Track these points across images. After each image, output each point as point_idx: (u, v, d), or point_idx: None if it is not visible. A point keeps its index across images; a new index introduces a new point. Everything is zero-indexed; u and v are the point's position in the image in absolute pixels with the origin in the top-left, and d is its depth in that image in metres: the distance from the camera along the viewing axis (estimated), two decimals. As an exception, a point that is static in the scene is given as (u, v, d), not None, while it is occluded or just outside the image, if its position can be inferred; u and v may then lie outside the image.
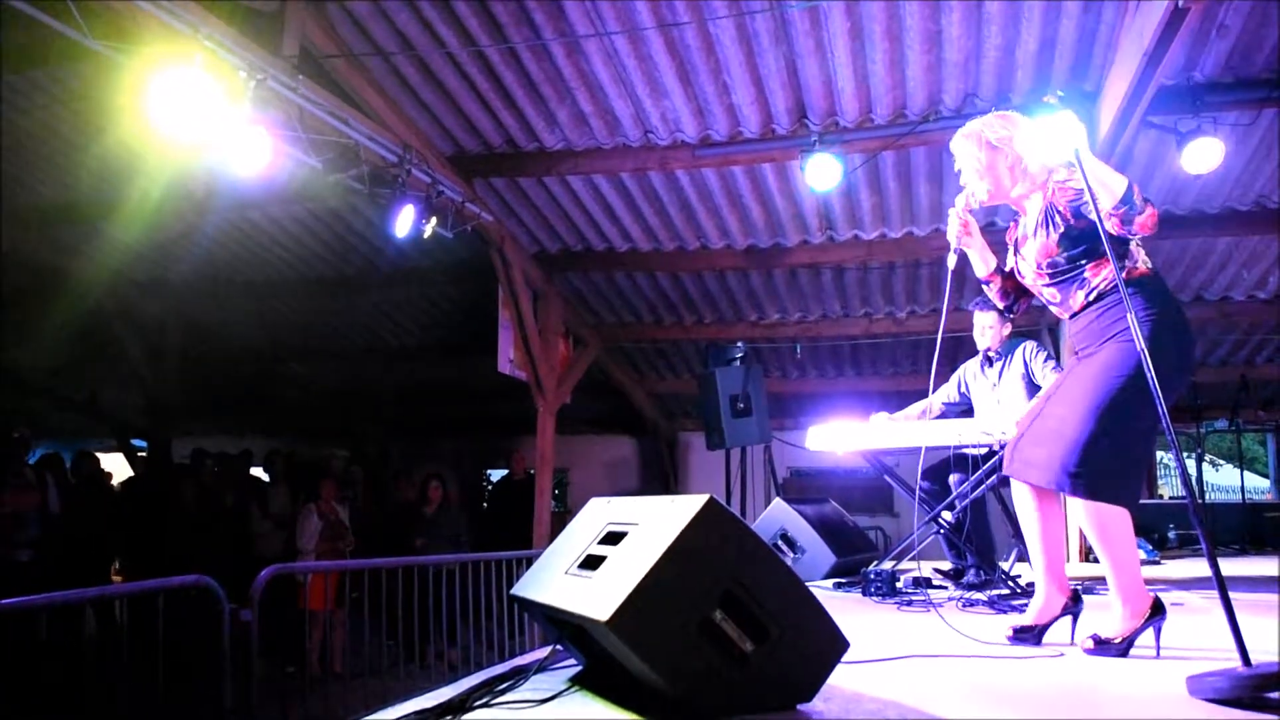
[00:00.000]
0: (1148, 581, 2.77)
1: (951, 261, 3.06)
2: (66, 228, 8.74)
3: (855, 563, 5.23)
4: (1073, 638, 2.90)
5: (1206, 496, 9.74)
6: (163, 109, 4.51)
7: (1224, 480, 14.74)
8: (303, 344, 11.94)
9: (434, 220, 6.57)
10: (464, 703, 2.20)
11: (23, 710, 4.67)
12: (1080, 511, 2.66)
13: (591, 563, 2.28)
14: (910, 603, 4.11)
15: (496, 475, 13.16)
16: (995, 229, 6.52)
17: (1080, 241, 2.73)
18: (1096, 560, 2.80)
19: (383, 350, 11.87)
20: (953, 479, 4.74)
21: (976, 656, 2.76)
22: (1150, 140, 6.62)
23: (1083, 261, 2.76)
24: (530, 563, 3.92)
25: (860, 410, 4.96)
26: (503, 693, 2.29)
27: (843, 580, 4.94)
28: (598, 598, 2.04)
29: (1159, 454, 11.20)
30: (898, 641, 3.02)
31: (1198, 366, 9.44)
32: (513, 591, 2.70)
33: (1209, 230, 7.77)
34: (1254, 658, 2.06)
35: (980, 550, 4.75)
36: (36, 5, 4.18)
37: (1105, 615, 2.75)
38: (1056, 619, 2.93)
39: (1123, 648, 2.66)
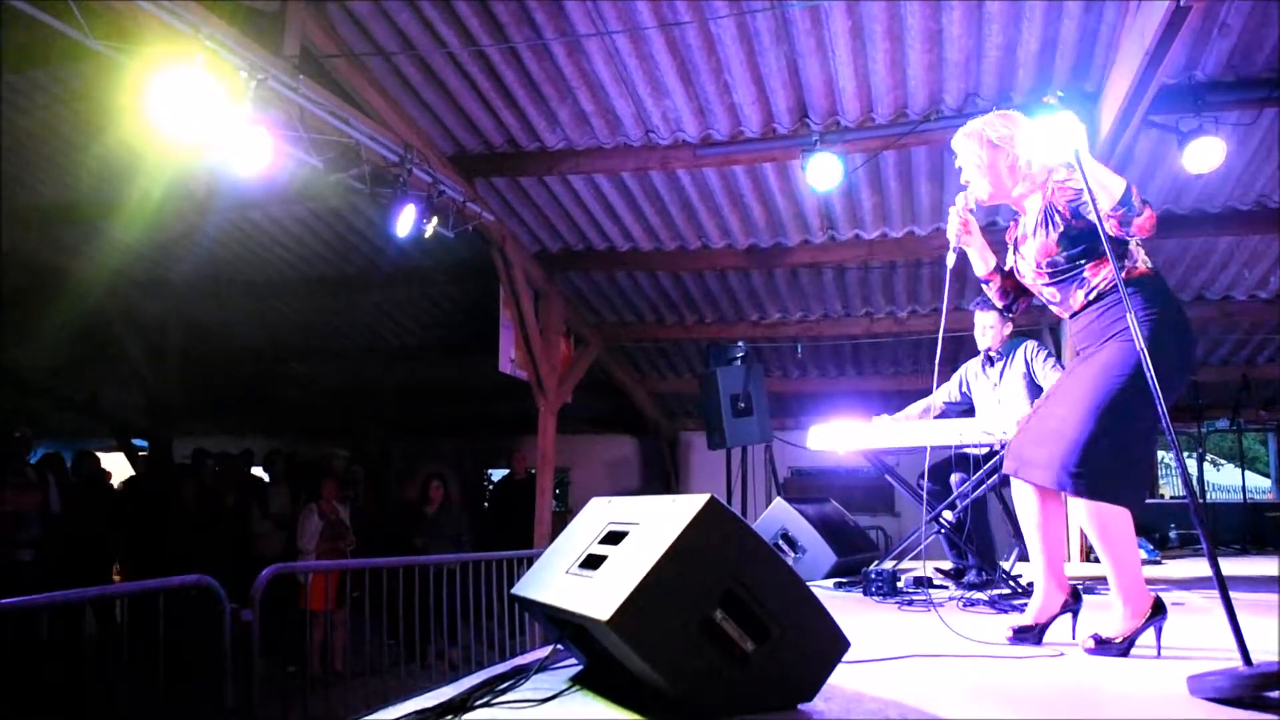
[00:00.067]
0: (1149, 581, 2.77)
1: (950, 260, 3.07)
2: (67, 227, 8.74)
3: (856, 562, 5.23)
4: (1073, 635, 2.90)
5: (1208, 496, 9.74)
6: (163, 109, 4.51)
7: (1225, 480, 14.74)
8: (304, 344, 11.95)
9: (435, 220, 6.58)
10: (465, 702, 2.20)
11: (23, 710, 4.67)
12: (1081, 511, 2.66)
13: (592, 562, 2.28)
14: (911, 602, 4.11)
15: (498, 475, 13.16)
16: (996, 229, 6.52)
17: (1079, 241, 2.73)
18: (1097, 560, 2.80)
19: (384, 350, 11.88)
20: (954, 478, 4.74)
21: (977, 656, 2.76)
22: (1151, 139, 6.62)
23: (1082, 261, 2.76)
24: (531, 562, 3.92)
25: (861, 410, 4.96)
26: (503, 692, 2.29)
27: (843, 580, 4.94)
28: (598, 597, 2.04)
29: (1160, 453, 11.18)
30: (898, 641, 3.02)
31: (1199, 366, 9.44)
32: (513, 591, 2.70)
33: (1210, 230, 7.77)
34: (1255, 657, 2.06)
35: (981, 550, 4.75)
36: (37, 5, 4.18)
37: (1106, 615, 2.75)
38: (1056, 617, 2.93)
39: (1124, 647, 2.66)
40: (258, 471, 10.02)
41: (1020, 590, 4.21)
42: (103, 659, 6.02)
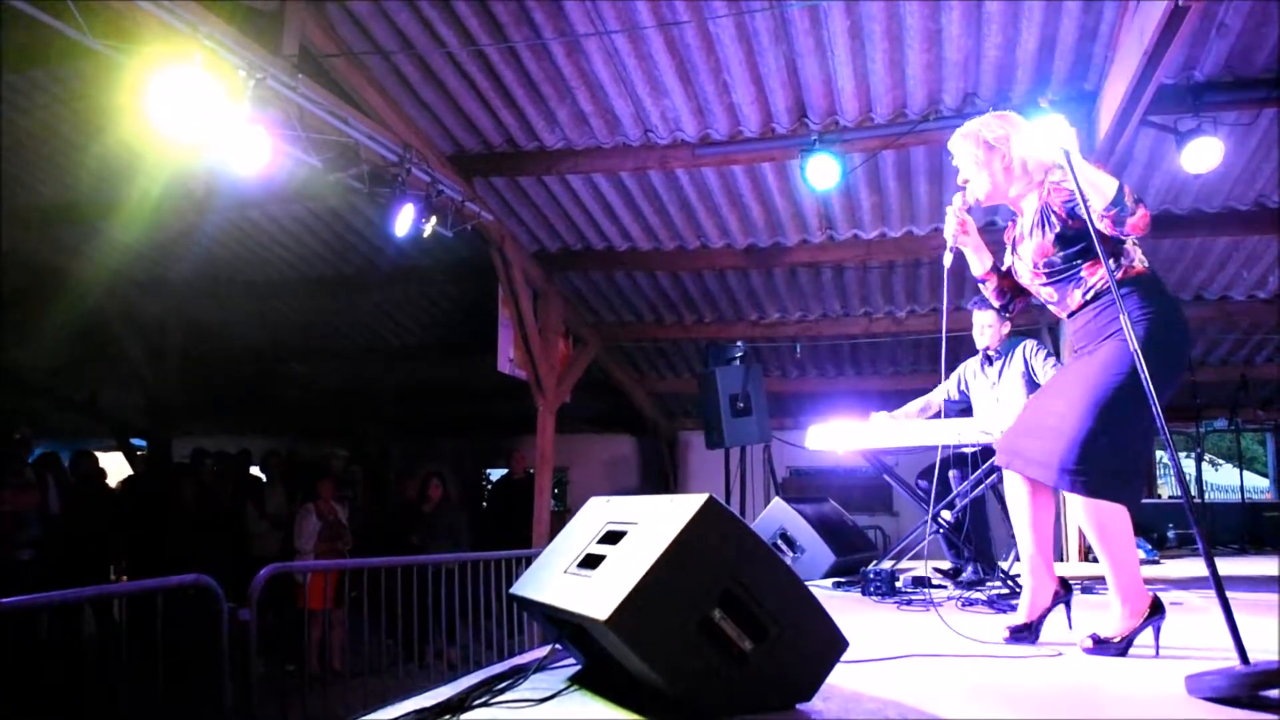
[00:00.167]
0: (1147, 581, 2.77)
1: (947, 260, 3.08)
2: (67, 227, 8.74)
3: (854, 562, 5.24)
4: (1069, 625, 2.90)
5: (1206, 496, 9.74)
6: (162, 108, 4.51)
7: (1223, 480, 14.74)
8: (303, 343, 11.94)
9: (434, 219, 6.58)
10: (463, 702, 2.20)
11: (23, 709, 4.67)
12: (1079, 510, 2.66)
13: (591, 562, 2.28)
14: (909, 602, 4.11)
15: (496, 474, 13.16)
16: (994, 229, 6.52)
17: (1075, 241, 2.73)
18: (1096, 560, 2.80)
19: (383, 349, 11.88)
20: (951, 474, 4.74)
21: (976, 656, 2.76)
22: (1150, 139, 6.63)
23: (1079, 261, 2.76)
24: (530, 562, 3.92)
25: (860, 409, 4.95)
26: (502, 692, 2.29)
27: (842, 579, 4.94)
28: (597, 597, 2.04)
29: (1158, 453, 11.20)
30: (897, 641, 3.02)
31: (1197, 366, 9.45)
32: (512, 590, 2.70)
33: (1208, 230, 7.78)
34: (1252, 656, 2.07)
35: (979, 549, 4.75)
36: (37, 5, 4.18)
37: (1104, 614, 2.75)
38: (1049, 610, 2.94)
39: (1122, 647, 2.66)
40: (255, 471, 10.01)
41: (1018, 589, 4.21)
42: (101, 658, 6.01)
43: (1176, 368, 2.73)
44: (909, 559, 5.22)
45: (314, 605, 6.76)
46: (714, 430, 8.31)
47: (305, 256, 9.54)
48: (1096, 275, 2.73)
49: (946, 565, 5.08)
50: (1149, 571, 4.98)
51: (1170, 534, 7.98)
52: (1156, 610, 2.67)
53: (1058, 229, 2.75)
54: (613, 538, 2.29)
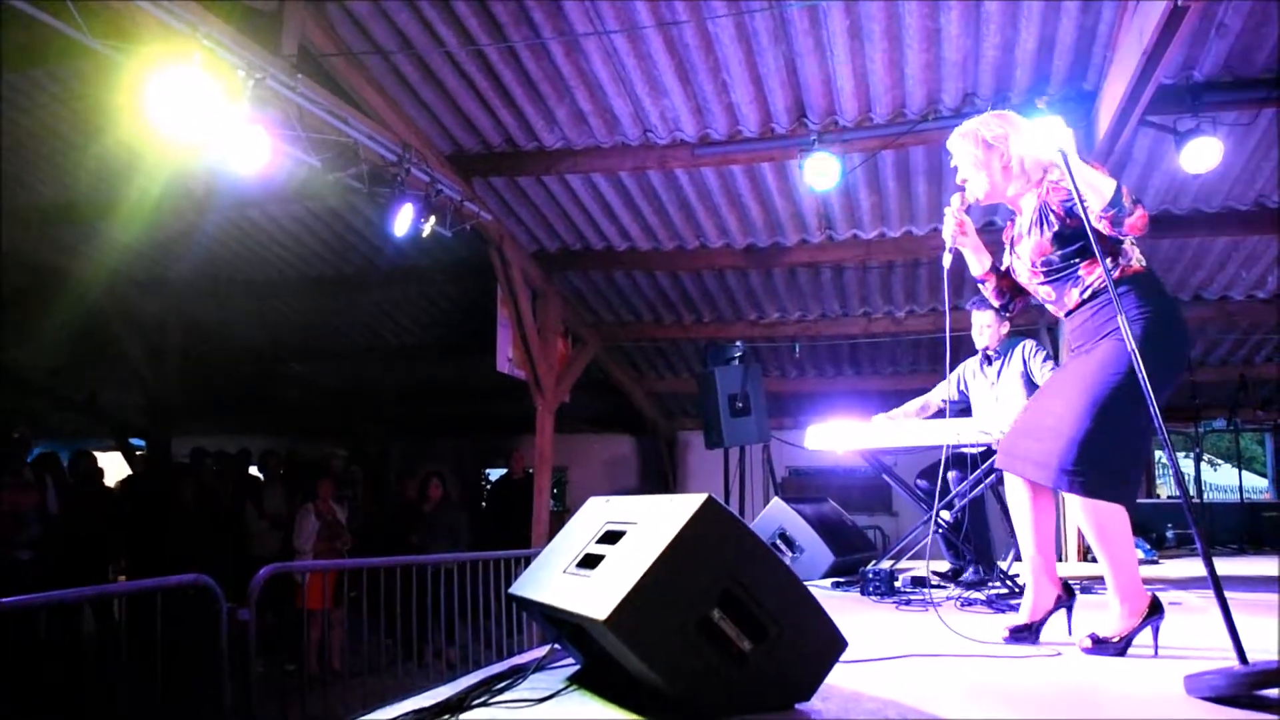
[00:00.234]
0: (1146, 581, 2.77)
1: (947, 260, 3.08)
2: (66, 227, 8.74)
3: (854, 562, 5.24)
4: (1069, 630, 2.90)
5: (1205, 496, 9.74)
6: (162, 108, 4.51)
7: (1222, 480, 14.74)
8: (303, 343, 11.94)
9: (433, 219, 6.58)
10: (462, 701, 2.20)
11: (22, 709, 4.67)
12: (1078, 510, 2.66)
13: (590, 562, 2.28)
14: (909, 602, 4.11)
15: (495, 474, 13.17)
16: (993, 229, 6.53)
17: (1073, 240, 2.74)
18: (1095, 560, 2.80)
19: (382, 349, 11.88)
20: (950, 475, 4.74)
21: (975, 656, 2.76)
22: (1149, 139, 6.63)
23: (1076, 260, 2.77)
24: (529, 562, 3.92)
25: (859, 409, 4.96)
26: (501, 692, 2.29)
27: (841, 579, 4.94)
28: (596, 597, 2.04)
29: (1157, 454, 11.21)
30: (896, 641, 3.03)
31: (1196, 366, 9.46)
32: (511, 590, 2.70)
33: (1208, 230, 7.78)
34: (1251, 656, 2.07)
35: (979, 549, 4.75)
36: (36, 4, 4.18)
37: (1103, 614, 2.75)
38: (1051, 613, 2.94)
39: (1121, 647, 2.66)
40: (255, 471, 10.01)
41: (1017, 590, 4.21)
42: (101, 658, 6.01)
43: (1174, 367, 2.73)
44: (908, 559, 5.22)
45: (313, 605, 6.75)
46: (713, 430, 8.32)
47: (305, 256, 9.54)
48: (1094, 274, 2.73)
49: (945, 567, 5.08)
50: (1148, 571, 4.98)
51: (1169, 534, 7.98)
52: (1155, 610, 2.67)
53: (1056, 228, 2.76)
54: (612, 537, 2.29)
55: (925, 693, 2.29)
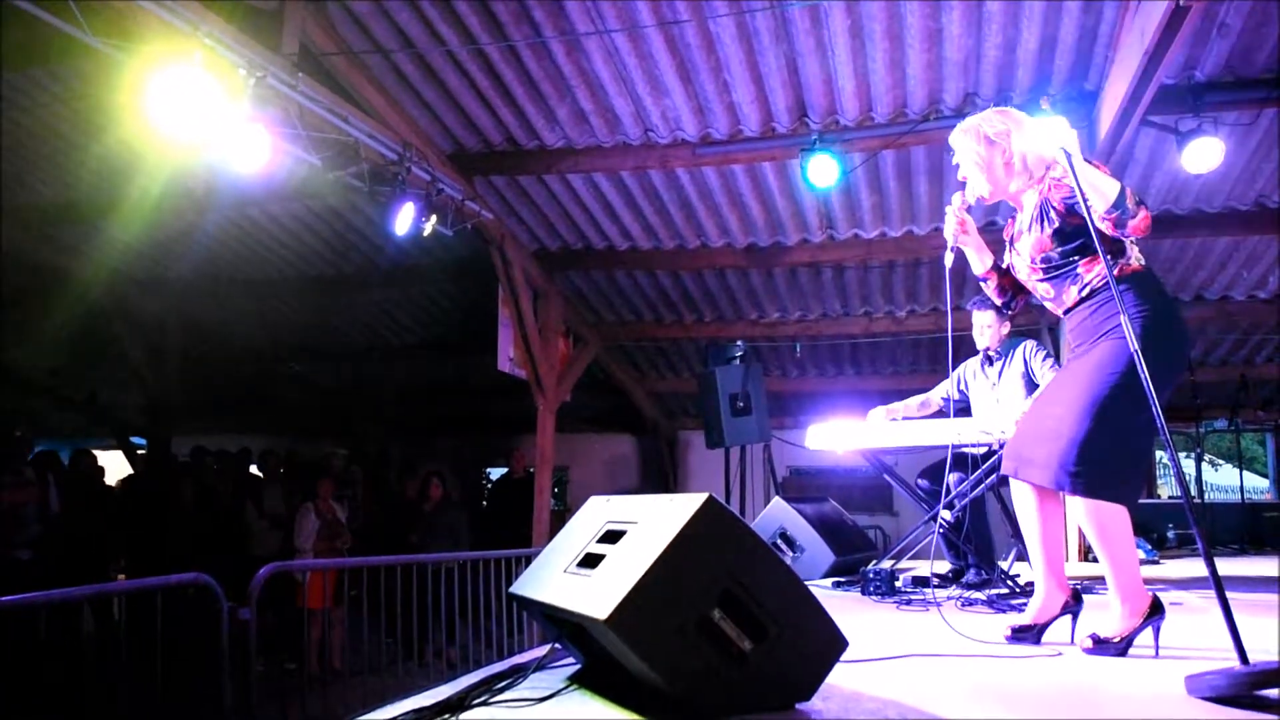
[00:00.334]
0: (1147, 581, 2.77)
1: (948, 259, 3.08)
2: (67, 226, 8.74)
3: (854, 562, 5.23)
4: (1072, 637, 2.90)
5: (1206, 496, 9.74)
6: (162, 107, 4.50)
7: (1223, 480, 14.74)
8: (303, 343, 11.94)
9: (434, 218, 6.57)
10: (463, 701, 2.20)
11: (22, 709, 4.67)
12: (1079, 510, 2.66)
13: (590, 561, 2.28)
14: (909, 602, 4.11)
15: (496, 473, 13.16)
16: (994, 228, 6.52)
17: (1073, 238, 2.74)
18: (1096, 560, 2.80)
19: (383, 349, 11.88)
20: (951, 478, 4.74)
21: (976, 656, 2.76)
22: (1151, 139, 6.63)
23: (1075, 257, 2.76)
24: (529, 561, 3.92)
25: (860, 409, 4.95)
26: (501, 691, 2.29)
27: (842, 579, 4.94)
28: (596, 596, 2.04)
29: (1158, 454, 11.21)
30: (897, 641, 3.02)
31: (1197, 366, 9.45)
32: (511, 590, 2.70)
33: (1209, 230, 7.78)
34: (1252, 656, 2.07)
35: (979, 550, 4.75)
36: (37, 3, 4.18)
37: (1104, 614, 2.75)
38: (1056, 618, 2.94)
39: (1121, 647, 2.66)
40: (255, 471, 10.00)
41: (1018, 590, 4.21)
42: (101, 658, 6.01)
43: (1173, 366, 2.73)
44: (909, 559, 5.22)
45: (313, 604, 6.76)
46: (714, 430, 8.31)
47: (305, 255, 9.54)
48: (1093, 272, 2.73)
49: (946, 567, 5.08)
50: (1149, 572, 4.98)
51: (1170, 534, 7.98)
52: (1156, 610, 2.67)
53: (1056, 225, 2.75)
54: (612, 537, 2.29)
55: (926, 693, 2.28)
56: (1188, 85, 5.94)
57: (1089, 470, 2.59)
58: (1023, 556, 3.91)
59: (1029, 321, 8.47)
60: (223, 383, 12.44)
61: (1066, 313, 2.85)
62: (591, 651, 2.34)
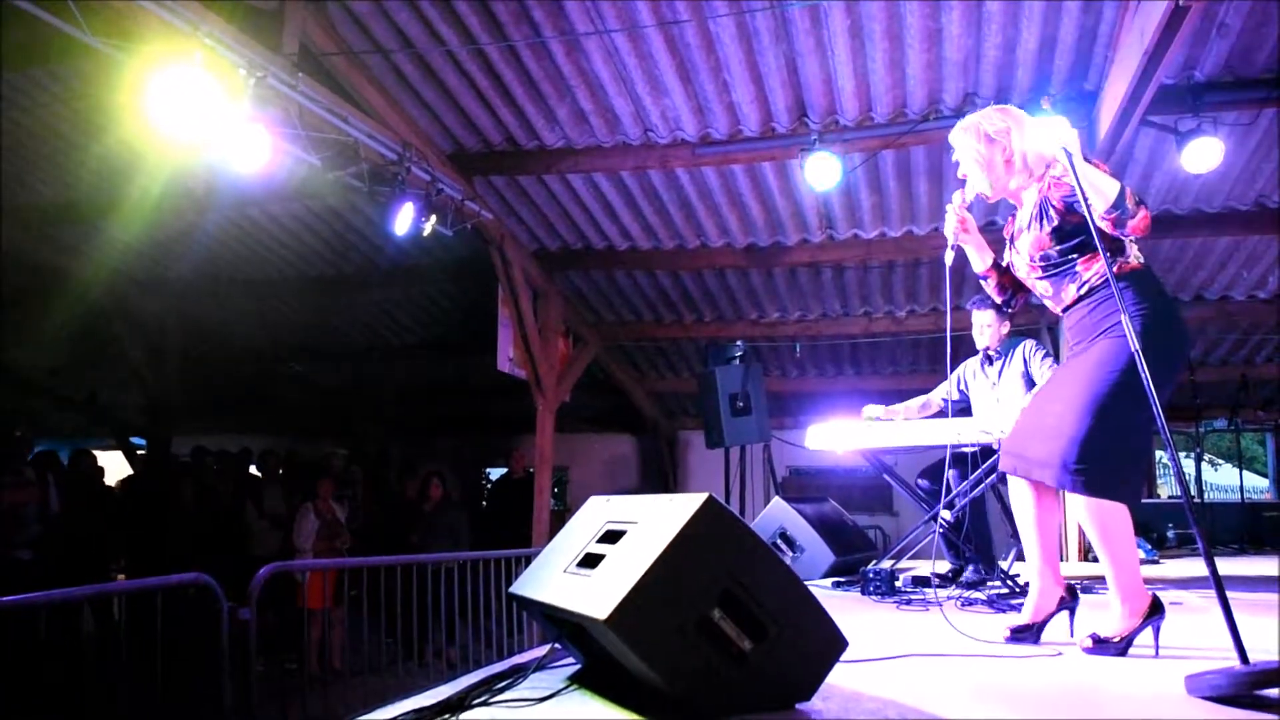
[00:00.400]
0: (1147, 581, 2.77)
1: (949, 258, 3.08)
2: (67, 227, 8.73)
3: (854, 562, 5.24)
4: (1071, 633, 2.90)
5: (1206, 496, 9.74)
6: (162, 107, 4.50)
7: (1223, 480, 14.73)
8: (303, 343, 11.93)
9: (433, 218, 6.57)
10: (463, 701, 2.20)
11: (23, 709, 4.67)
12: (1080, 509, 2.66)
13: (590, 561, 2.28)
14: (909, 602, 4.11)
15: (496, 473, 13.16)
16: (994, 228, 6.52)
17: (1072, 236, 2.74)
18: (1096, 559, 2.80)
19: (382, 349, 11.88)
20: (949, 474, 4.74)
21: (976, 656, 2.76)
22: (1150, 139, 6.63)
23: (1074, 255, 2.77)
24: (529, 561, 3.92)
25: (860, 409, 4.95)
26: (501, 691, 2.29)
27: (841, 579, 4.94)
28: (596, 596, 2.04)
29: (1158, 453, 11.21)
30: (897, 641, 3.02)
31: (1197, 366, 9.45)
32: (511, 590, 2.70)
33: (1209, 230, 7.78)
34: (1252, 656, 2.07)
35: (979, 549, 4.75)
36: (37, 3, 4.18)
37: (1104, 614, 2.75)
38: (1053, 615, 2.94)
39: (1122, 647, 2.66)
40: (255, 471, 10.00)
41: (1018, 590, 4.21)
42: (101, 658, 6.01)
43: (1172, 364, 2.73)
44: (908, 559, 5.22)
45: (313, 604, 6.76)
46: (714, 430, 8.31)
47: (305, 255, 9.54)
48: (1091, 270, 2.74)
49: (946, 567, 5.08)
50: (1149, 571, 4.98)
51: (1170, 534, 7.98)
52: (1156, 610, 2.67)
53: (1055, 223, 2.76)
54: (612, 537, 2.29)
55: (926, 693, 2.28)
56: (1187, 85, 5.94)
57: (1091, 468, 2.59)
58: (1022, 556, 3.91)
59: (1029, 321, 8.47)
60: (223, 383, 12.44)
61: (1065, 310, 2.85)
62: (591, 651, 2.34)
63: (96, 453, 8.73)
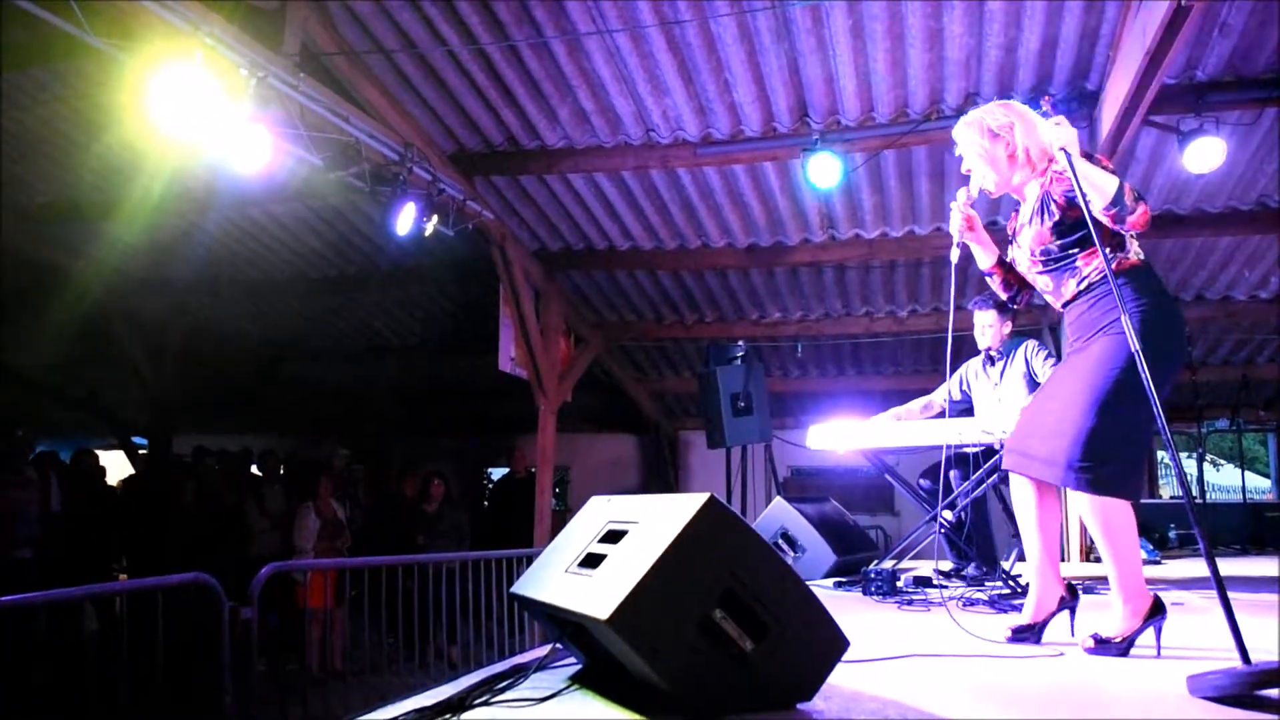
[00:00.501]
0: (1148, 581, 2.77)
1: (955, 256, 3.08)
2: (67, 226, 8.73)
3: (855, 562, 5.23)
4: (1072, 633, 2.90)
5: (1207, 496, 9.73)
6: (163, 106, 4.50)
7: (1225, 480, 14.73)
8: (304, 342, 11.94)
9: (435, 218, 6.57)
10: (464, 701, 2.20)
11: (24, 708, 4.67)
12: (1084, 507, 2.66)
13: (592, 561, 2.28)
14: (910, 602, 4.10)
15: (498, 473, 13.16)
16: (996, 228, 6.52)
17: (1073, 230, 2.75)
18: (1098, 560, 2.80)
19: (384, 349, 11.88)
20: (951, 474, 4.74)
21: (977, 656, 2.75)
22: (1152, 139, 6.62)
23: (1074, 250, 2.77)
24: (530, 561, 3.92)
25: (861, 409, 4.96)
26: (502, 691, 2.28)
27: (843, 579, 4.94)
28: (598, 596, 2.04)
29: (1159, 454, 11.20)
30: (898, 641, 3.02)
31: (1199, 366, 9.45)
32: (513, 590, 2.70)
33: (1211, 230, 7.78)
34: (1254, 656, 2.06)
35: (981, 549, 4.75)
36: (38, 2, 4.18)
37: (1106, 614, 2.75)
38: (1054, 614, 2.94)
39: (1123, 647, 2.66)
40: (256, 470, 10.01)
41: (1020, 590, 4.20)
42: (102, 657, 6.01)
43: (1171, 361, 2.73)
44: (910, 558, 5.21)
45: (314, 604, 6.77)
46: (715, 430, 8.30)
47: (306, 255, 9.54)
48: (1091, 266, 2.74)
49: (948, 566, 5.08)
50: (1150, 572, 4.97)
51: (1171, 534, 7.97)
52: (1158, 610, 2.67)
53: (1056, 217, 2.77)
54: (613, 537, 2.29)
55: (927, 693, 2.28)
56: (1189, 85, 5.94)
57: (1094, 467, 2.59)
58: (1024, 557, 3.90)
59: (1031, 321, 8.46)
60: (223, 383, 12.44)
61: (1065, 306, 2.86)
62: (593, 651, 2.34)
63: (98, 452, 8.74)
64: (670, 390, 12.33)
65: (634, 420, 12.91)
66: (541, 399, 9.03)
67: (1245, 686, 2.03)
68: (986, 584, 4.53)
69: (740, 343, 8.82)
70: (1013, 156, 2.87)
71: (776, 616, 2.03)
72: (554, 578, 2.42)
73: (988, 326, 4.96)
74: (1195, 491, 8.77)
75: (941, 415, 4.96)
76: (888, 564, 4.79)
